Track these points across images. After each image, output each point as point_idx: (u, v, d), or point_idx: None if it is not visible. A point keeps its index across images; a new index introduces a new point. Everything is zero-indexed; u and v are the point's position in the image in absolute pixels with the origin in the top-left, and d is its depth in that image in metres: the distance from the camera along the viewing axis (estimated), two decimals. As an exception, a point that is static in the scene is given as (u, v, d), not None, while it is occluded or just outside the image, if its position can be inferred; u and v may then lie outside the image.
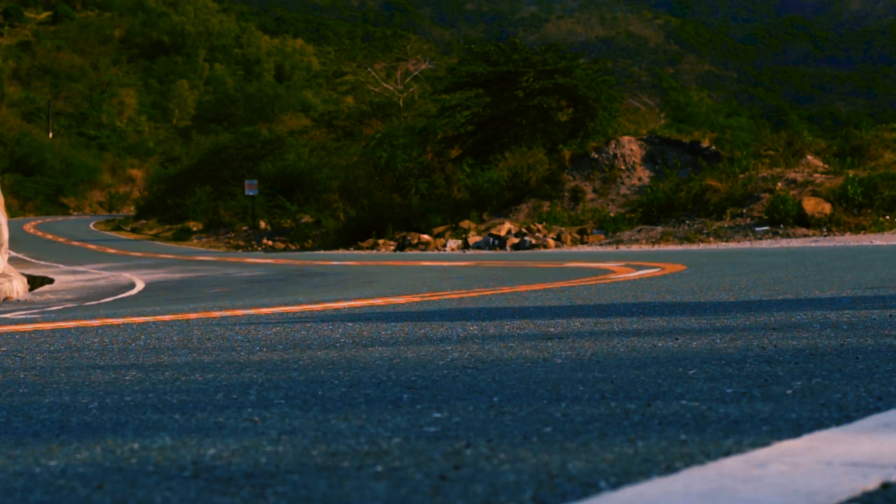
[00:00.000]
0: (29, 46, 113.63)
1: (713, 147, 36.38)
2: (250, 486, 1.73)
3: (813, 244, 22.69)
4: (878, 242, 21.83)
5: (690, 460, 1.79)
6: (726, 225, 29.62)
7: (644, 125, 43.04)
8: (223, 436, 2.20)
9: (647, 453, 1.86)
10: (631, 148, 37.36)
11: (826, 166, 32.94)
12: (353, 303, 7.62)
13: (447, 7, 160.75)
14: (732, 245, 25.58)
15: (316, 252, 35.61)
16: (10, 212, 56.78)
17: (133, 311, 8.14)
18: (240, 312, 6.87)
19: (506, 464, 1.82)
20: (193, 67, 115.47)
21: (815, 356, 3.17)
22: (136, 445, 2.13)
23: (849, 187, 28.79)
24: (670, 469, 1.73)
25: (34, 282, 18.03)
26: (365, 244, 35.70)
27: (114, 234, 60.32)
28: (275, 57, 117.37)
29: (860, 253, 15.10)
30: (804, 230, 27.92)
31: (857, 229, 27.76)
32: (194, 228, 54.58)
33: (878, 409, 2.22)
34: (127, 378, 3.33)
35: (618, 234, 31.00)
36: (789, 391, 2.51)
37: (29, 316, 8.40)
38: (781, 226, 28.53)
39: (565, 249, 28.10)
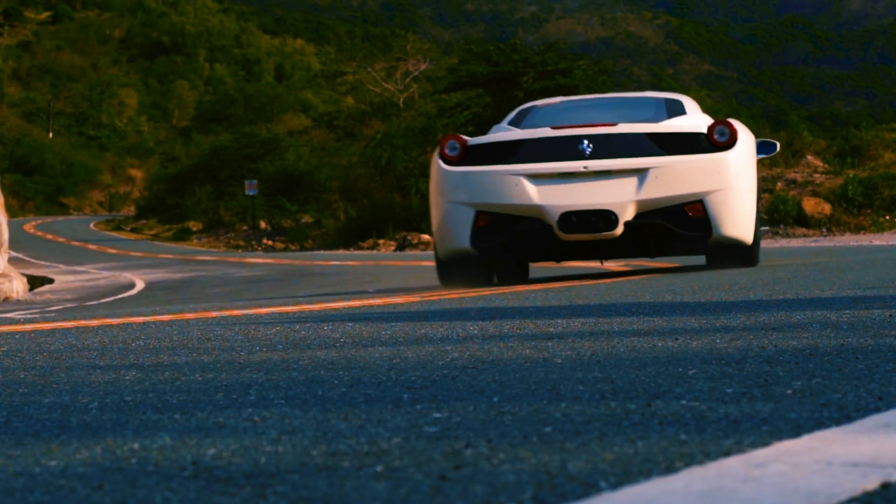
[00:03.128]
0: (29, 46, 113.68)
1: (713, 147, 36.38)
2: (250, 486, 1.73)
3: (813, 244, 22.68)
4: (878, 242, 21.82)
5: (690, 460, 1.79)
6: (726, 225, 29.63)
7: (644, 125, 43.00)
8: (223, 436, 2.20)
9: (647, 453, 1.86)
10: (631, 148, 37.38)
11: (826, 166, 32.94)
12: (352, 303, 7.62)
13: (447, 7, 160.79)
14: (732, 245, 25.58)
15: (316, 252, 35.62)
16: (10, 212, 57.31)
17: (133, 311, 8.14)
18: (239, 312, 6.87)
19: (506, 464, 1.82)
20: (193, 67, 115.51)
21: (815, 356, 3.17)
22: (136, 445, 2.13)
23: (849, 187, 28.79)
24: (670, 469, 1.73)
25: (34, 282, 18.03)
26: (365, 244, 35.71)
27: (114, 234, 60.36)
28: (275, 57, 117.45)
29: (860, 253, 15.11)
30: (804, 230, 27.92)
31: (857, 229, 27.77)
32: (194, 228, 54.62)
33: (878, 409, 2.23)
34: (127, 378, 3.33)
35: (618, 234, 30.99)
36: (789, 391, 2.52)
37: (29, 316, 8.41)
38: (781, 226, 28.53)
39: (565, 249, 28.08)
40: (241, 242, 45.80)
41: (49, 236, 55.96)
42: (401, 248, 33.15)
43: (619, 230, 8.56)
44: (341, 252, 34.10)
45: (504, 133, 9.07)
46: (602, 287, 8.35)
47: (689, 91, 73.18)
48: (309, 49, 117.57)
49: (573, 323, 4.75)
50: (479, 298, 7.39)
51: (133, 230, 63.42)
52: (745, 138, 8.91)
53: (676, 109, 9.40)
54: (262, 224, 48.30)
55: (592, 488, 1.63)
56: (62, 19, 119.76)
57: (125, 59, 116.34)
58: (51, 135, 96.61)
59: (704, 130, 8.74)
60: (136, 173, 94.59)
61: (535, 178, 8.47)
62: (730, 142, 8.63)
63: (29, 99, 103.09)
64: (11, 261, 18.38)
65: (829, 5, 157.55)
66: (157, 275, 20.25)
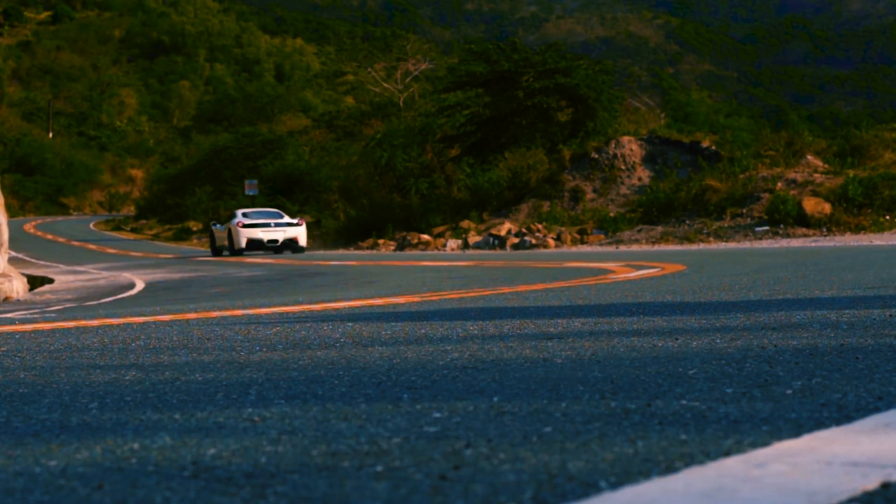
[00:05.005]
0: (29, 46, 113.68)
1: (713, 147, 36.38)
2: (250, 486, 1.74)
3: (813, 244, 22.69)
4: (878, 242, 21.84)
5: (690, 460, 1.79)
6: (726, 225, 29.63)
7: (644, 125, 43.05)
8: (223, 436, 2.20)
9: (647, 453, 1.86)
10: (631, 148, 37.38)
11: (826, 166, 32.93)
12: (353, 303, 7.63)
13: (447, 7, 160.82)
14: (732, 245, 25.60)
15: (316, 252, 35.65)
16: (10, 212, 57.65)
17: (133, 311, 8.14)
18: (239, 312, 6.87)
19: (506, 464, 1.82)
20: (193, 67, 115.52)
21: (815, 356, 3.17)
22: (136, 445, 2.13)
23: (849, 187, 28.78)
24: (670, 469, 1.74)
25: (34, 282, 18.02)
26: (365, 244, 35.72)
27: (114, 234, 60.37)
28: (275, 57, 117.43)
29: (860, 253, 15.11)
30: (804, 230, 27.92)
31: (857, 229, 27.76)
32: (194, 228, 54.63)
33: (878, 409, 2.23)
34: (127, 378, 3.33)
35: (618, 234, 31.03)
36: (789, 391, 2.52)
37: (29, 316, 8.41)
38: (781, 226, 28.53)
39: (565, 249, 28.12)
40: (241, 242, 45.85)
41: (49, 236, 55.95)
42: (400, 247, 33.14)
43: (280, 243, 31.19)
44: (341, 252, 34.13)
45: (249, 220, 31.89)
46: (602, 287, 8.35)
47: (690, 91, 73.31)
48: (309, 49, 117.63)
49: (573, 323, 4.75)
50: (479, 298, 7.39)
51: (133, 230, 63.44)
52: (304, 223, 33.19)
53: (281, 214, 33.35)
54: (262, 224, 48.37)
55: (592, 488, 1.63)
56: (62, 19, 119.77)
57: (125, 59, 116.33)
58: (51, 135, 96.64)
59: (297, 221, 32.46)
60: (136, 173, 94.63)
61: (262, 232, 31.32)
62: (301, 224, 32.31)
63: (29, 99, 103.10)
64: (11, 261, 18.37)
65: (829, 5, 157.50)
66: (157, 275, 20.26)
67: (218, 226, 33.75)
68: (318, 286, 12.91)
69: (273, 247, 31.15)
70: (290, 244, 31.32)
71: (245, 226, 31.29)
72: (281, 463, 1.91)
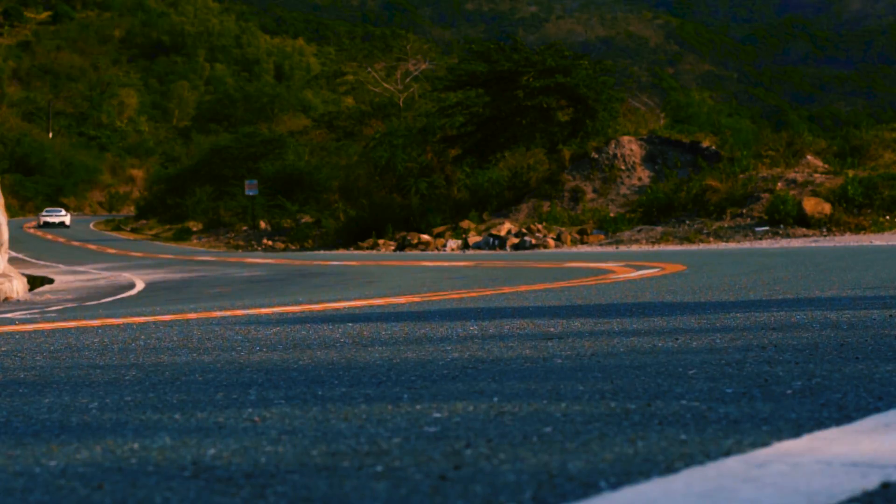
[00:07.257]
0: (29, 46, 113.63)
1: (713, 147, 36.35)
2: (250, 486, 1.74)
3: (813, 244, 22.69)
4: (878, 242, 21.84)
5: (690, 460, 1.79)
6: (726, 225, 29.62)
7: (644, 125, 43.03)
8: (223, 436, 2.20)
9: (647, 453, 1.86)
10: (631, 148, 37.37)
11: (826, 166, 32.92)
12: (353, 303, 7.62)
13: (447, 7, 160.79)
14: (732, 245, 25.60)
15: (316, 252, 35.63)
16: (10, 212, 60.98)
17: (133, 311, 8.14)
18: (240, 312, 6.87)
19: (506, 464, 1.82)
20: (193, 67, 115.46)
21: (815, 356, 3.17)
22: (136, 445, 2.13)
23: (849, 187, 28.76)
24: (670, 469, 1.74)
25: (34, 282, 18.01)
26: (365, 244, 35.70)
27: (114, 234, 60.37)
28: (275, 57, 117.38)
29: (860, 253, 15.11)
30: (804, 230, 27.90)
31: (857, 229, 27.75)
32: (194, 228, 54.62)
33: (878, 409, 2.23)
34: (127, 378, 3.33)
35: (618, 234, 31.02)
36: (789, 391, 2.52)
37: (29, 316, 8.40)
38: (781, 226, 28.52)
39: (565, 249, 28.12)
40: (241, 242, 45.80)
41: (49, 236, 55.94)
42: (400, 247, 33.12)
43: (58, 223, 68.50)
44: (341, 252, 34.11)
45: (46, 213, 71.24)
46: (602, 287, 8.35)
47: (690, 91, 73.19)
48: (309, 49, 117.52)
49: (573, 323, 4.76)
50: (479, 298, 7.39)
51: (133, 230, 63.47)
52: (69, 214, 73.86)
53: (61, 210, 72.43)
54: (262, 224, 48.31)
55: (592, 488, 1.63)
56: (62, 19, 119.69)
57: (125, 59, 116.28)
58: (51, 135, 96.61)
59: (65, 213, 71.29)
60: (136, 173, 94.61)
61: (50, 218, 68.82)
62: (68, 214, 70.90)
63: (29, 99, 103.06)
64: (11, 261, 18.35)
65: (829, 5, 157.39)
66: (158, 275, 20.25)
67: (39, 216, 70.05)
68: (318, 286, 12.91)
69: (54, 224, 65.85)
70: (62, 224, 66.33)
71: (44, 215, 68.36)
72: (281, 463, 1.91)
